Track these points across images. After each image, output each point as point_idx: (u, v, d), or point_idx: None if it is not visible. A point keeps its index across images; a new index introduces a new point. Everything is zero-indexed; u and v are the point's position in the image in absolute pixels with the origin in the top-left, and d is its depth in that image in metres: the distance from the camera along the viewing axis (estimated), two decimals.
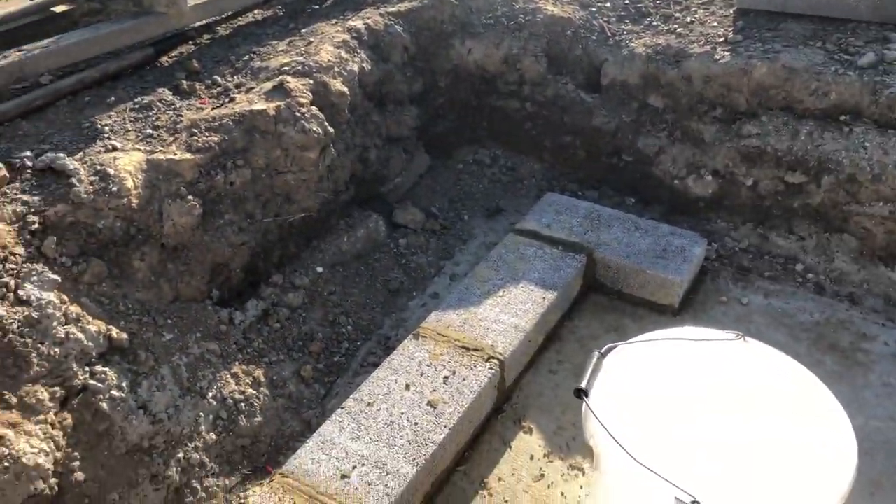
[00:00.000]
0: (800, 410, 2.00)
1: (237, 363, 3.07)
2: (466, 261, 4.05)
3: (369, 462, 2.63)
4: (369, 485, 2.55)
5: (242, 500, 2.73)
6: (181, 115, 3.35)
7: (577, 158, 4.64)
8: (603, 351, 2.25)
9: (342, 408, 2.85)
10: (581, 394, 2.08)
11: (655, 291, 3.64)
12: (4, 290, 2.58)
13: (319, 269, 3.66)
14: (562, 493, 2.84)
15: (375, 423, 2.78)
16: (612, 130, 4.41)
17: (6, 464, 2.26)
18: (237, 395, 2.97)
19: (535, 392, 3.28)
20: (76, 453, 2.50)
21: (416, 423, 2.78)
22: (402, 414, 2.82)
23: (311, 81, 3.64)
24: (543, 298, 3.41)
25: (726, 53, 4.00)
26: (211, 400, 2.90)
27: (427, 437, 2.73)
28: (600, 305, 3.77)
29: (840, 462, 1.84)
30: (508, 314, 3.31)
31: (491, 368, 3.03)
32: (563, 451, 3.00)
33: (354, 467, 2.61)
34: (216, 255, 3.22)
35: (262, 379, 3.09)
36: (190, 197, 3.11)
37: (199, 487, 2.72)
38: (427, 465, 2.68)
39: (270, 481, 2.57)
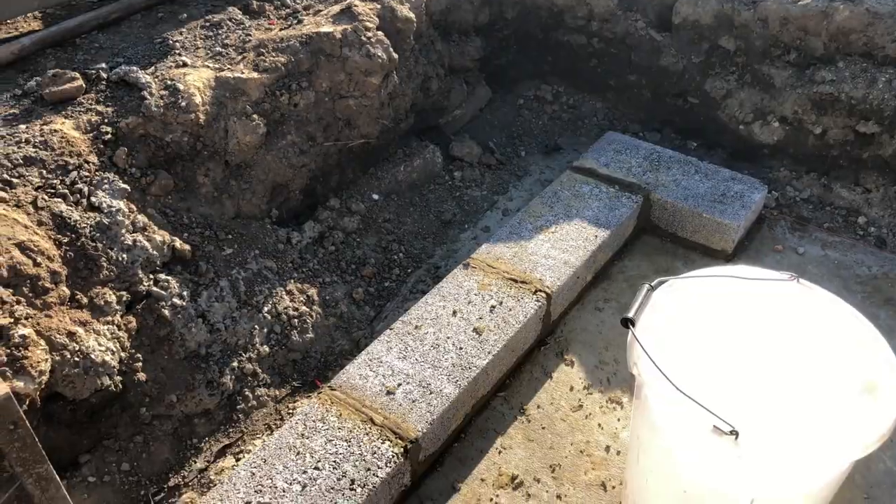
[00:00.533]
0: (850, 354, 1.93)
1: (292, 281, 3.13)
2: (520, 197, 4.00)
3: (414, 381, 2.68)
4: (413, 402, 2.60)
5: (291, 411, 2.82)
6: (250, 35, 3.34)
7: (642, 99, 4.48)
8: (653, 284, 2.20)
9: (390, 329, 2.89)
10: (628, 322, 2.05)
11: (710, 236, 3.54)
12: (78, 195, 2.66)
13: (375, 197, 3.67)
14: (599, 425, 2.85)
15: (422, 346, 2.81)
16: (680, 71, 4.23)
17: (77, 358, 2.37)
18: (291, 312, 3.04)
19: (579, 327, 3.26)
20: (139, 355, 2.61)
21: (460, 348, 2.81)
22: (448, 338, 2.85)
23: (379, 6, 3.58)
24: (595, 236, 3.35)
25: None
26: (266, 314, 2.97)
27: (471, 362, 2.75)
28: (653, 247, 3.69)
29: (883, 407, 1.79)
30: (559, 250, 3.27)
31: (538, 301, 3.02)
32: (603, 384, 3.00)
33: (400, 385, 2.66)
34: (277, 175, 3.25)
35: (316, 298, 3.15)
36: (255, 116, 3.13)
37: (250, 396, 2.82)
38: (469, 388, 2.71)
39: (319, 393, 2.64)
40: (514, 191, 4.07)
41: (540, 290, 3.06)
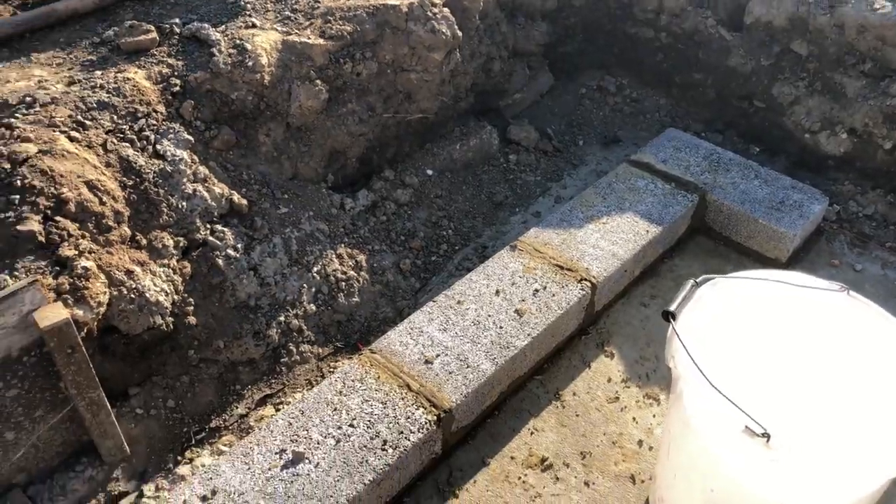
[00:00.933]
0: (892, 370, 1.95)
1: (343, 245, 3.26)
2: (574, 185, 4.06)
3: (452, 353, 2.77)
4: (450, 373, 2.70)
5: (332, 369, 2.95)
6: (319, 2, 3.47)
7: (706, 98, 4.50)
8: (698, 280, 2.24)
9: (433, 301, 2.99)
10: (668, 316, 2.10)
11: (764, 243, 3.55)
12: (145, 142, 2.82)
13: (429, 172, 3.78)
14: (633, 419, 2.90)
15: (462, 321, 2.91)
16: (748, 73, 4.24)
17: (133, 295, 2.53)
18: (339, 275, 3.17)
19: (622, 321, 3.32)
20: (191, 299, 2.76)
21: (501, 327, 2.89)
22: (489, 316, 2.93)
23: None
24: (647, 231, 3.40)
25: (888, 3, 3.74)
26: (315, 274, 3.10)
27: (510, 341, 2.84)
28: (705, 249, 3.72)
29: None
30: (608, 241, 3.33)
31: (582, 290, 3.08)
32: (642, 379, 3.05)
33: (438, 356, 2.76)
34: (335, 142, 3.37)
35: (364, 264, 3.27)
36: (318, 81, 3.25)
37: (294, 350, 2.95)
38: (506, 367, 2.79)
39: (360, 355, 2.76)
40: (569, 179, 4.13)
41: (585, 279, 3.12)
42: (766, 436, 1.75)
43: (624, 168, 3.80)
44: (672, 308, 2.11)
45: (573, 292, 3.07)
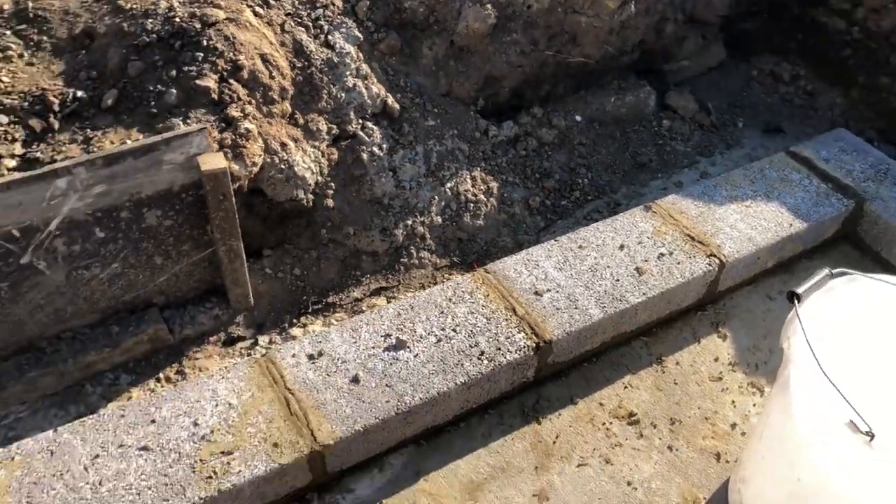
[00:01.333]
0: None
1: (478, 170, 3.45)
2: (724, 165, 4.06)
3: (563, 292, 2.91)
4: (557, 309, 2.84)
5: (445, 279, 3.17)
6: None
7: (888, 106, 4.34)
8: (834, 272, 2.24)
9: (555, 240, 3.12)
10: (794, 296, 2.13)
11: None
12: (318, 31, 3.09)
13: (578, 118, 3.89)
14: (732, 401, 2.95)
15: (580, 265, 3.03)
16: None
17: (283, 166, 2.82)
18: (469, 195, 3.37)
19: (744, 307, 3.33)
20: (332, 184, 3.04)
21: (617, 280, 3.00)
22: (608, 267, 3.04)
23: None
24: (790, 225, 3.38)
25: None
26: (447, 189, 3.32)
27: (623, 295, 2.94)
28: (849, 259, 3.64)
29: None
30: (747, 225, 3.33)
31: (709, 265, 3.13)
32: (750, 367, 3.08)
33: (548, 290, 2.91)
34: (493, 68, 3.55)
35: (495, 192, 3.45)
36: (489, 6, 3.42)
37: (414, 254, 3.19)
38: (614, 318, 2.90)
39: (473, 273, 2.95)
40: (720, 157, 4.13)
41: (715, 256, 3.16)
42: (870, 434, 1.76)
43: (780, 157, 3.76)
44: (800, 290, 2.13)
45: (699, 265, 3.12)
